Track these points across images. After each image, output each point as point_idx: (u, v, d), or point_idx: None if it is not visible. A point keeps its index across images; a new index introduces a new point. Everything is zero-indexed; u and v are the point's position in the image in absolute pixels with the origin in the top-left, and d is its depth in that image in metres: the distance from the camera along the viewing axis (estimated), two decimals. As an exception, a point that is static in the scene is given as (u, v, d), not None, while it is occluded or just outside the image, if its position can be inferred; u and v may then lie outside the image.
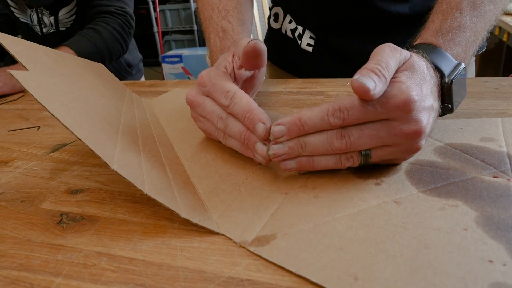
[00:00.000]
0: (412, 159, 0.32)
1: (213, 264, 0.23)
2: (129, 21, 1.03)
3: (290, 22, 0.67)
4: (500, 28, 1.10)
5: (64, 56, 0.44)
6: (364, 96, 0.26)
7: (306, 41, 0.64)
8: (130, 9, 1.05)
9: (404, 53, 0.30)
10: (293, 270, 0.22)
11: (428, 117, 0.28)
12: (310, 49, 0.64)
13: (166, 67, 2.47)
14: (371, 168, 0.31)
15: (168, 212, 0.28)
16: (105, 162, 0.27)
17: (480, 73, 1.79)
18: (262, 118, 0.31)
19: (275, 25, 0.71)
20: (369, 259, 0.22)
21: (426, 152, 0.33)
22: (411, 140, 0.28)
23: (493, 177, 0.29)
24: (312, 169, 0.30)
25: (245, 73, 0.39)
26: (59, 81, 0.35)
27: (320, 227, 0.25)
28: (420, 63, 0.30)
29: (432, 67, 0.32)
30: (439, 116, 0.33)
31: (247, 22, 0.50)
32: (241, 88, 0.38)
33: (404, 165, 0.31)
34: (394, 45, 0.30)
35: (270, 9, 0.72)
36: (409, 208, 0.26)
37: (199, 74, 0.37)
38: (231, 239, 0.25)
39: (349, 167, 0.30)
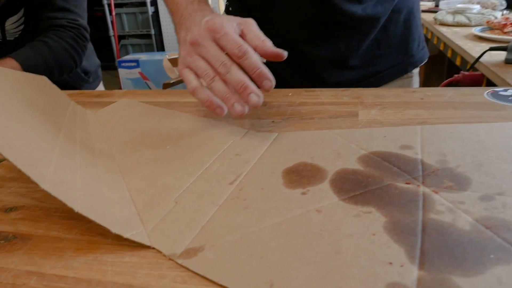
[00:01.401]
0: (338, 167, 0.35)
1: (141, 278, 0.24)
2: (82, 34, 1.00)
3: None
4: (438, 38, 1.18)
5: (6, 73, 0.44)
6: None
7: None
8: (84, 20, 1.02)
9: None
10: (216, 280, 0.23)
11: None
12: (263, 60, 0.66)
13: (122, 72, 2.42)
14: (299, 177, 0.33)
15: (102, 227, 0.29)
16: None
17: (426, 79, 1.90)
18: (270, 76, 0.41)
19: None
20: (286, 266, 0.24)
21: (351, 161, 0.36)
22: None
23: (406, 183, 0.32)
24: None
25: None
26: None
27: (246, 237, 0.27)
28: None
29: None
30: None
31: None
32: None
33: (330, 174, 0.34)
34: None
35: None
36: (328, 216, 0.28)
37: (209, 20, 0.42)
38: (161, 252, 0.26)
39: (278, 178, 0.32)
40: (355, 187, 0.32)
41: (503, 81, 0.66)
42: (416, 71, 0.69)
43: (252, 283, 0.23)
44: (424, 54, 0.69)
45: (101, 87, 1.28)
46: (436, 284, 0.22)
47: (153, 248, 0.27)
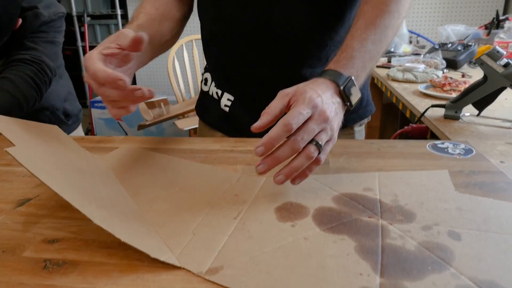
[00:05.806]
0: (317, 205, 0.45)
1: (179, 290, 0.32)
2: (43, 69, 1.02)
3: (215, 86, 0.81)
4: (390, 92, 1.35)
5: (30, 124, 0.51)
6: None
7: (224, 102, 0.78)
8: (48, 60, 1.05)
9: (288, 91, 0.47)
10: (237, 289, 0.32)
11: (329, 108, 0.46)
12: (227, 109, 0.78)
13: (95, 112, 2.46)
14: (288, 213, 0.43)
15: (138, 253, 0.36)
16: (88, 218, 0.35)
17: (382, 124, 2.10)
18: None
19: (205, 88, 0.85)
20: (286, 278, 0.33)
21: (327, 201, 0.46)
22: (325, 121, 0.45)
23: (368, 217, 0.42)
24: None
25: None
26: (37, 151, 0.42)
27: (254, 259, 0.36)
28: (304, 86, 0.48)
29: (329, 81, 0.50)
30: (347, 108, 0.51)
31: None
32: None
33: (311, 210, 0.44)
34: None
35: (202, 74, 0.86)
36: (313, 242, 0.38)
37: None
38: (190, 271, 0.35)
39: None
40: (331, 220, 0.42)
41: (442, 134, 0.81)
42: (358, 129, 0.82)
43: (264, 290, 0.32)
44: (366, 112, 0.82)
45: (79, 130, 1.32)
46: (392, 287, 0.32)
47: (183, 269, 0.35)
